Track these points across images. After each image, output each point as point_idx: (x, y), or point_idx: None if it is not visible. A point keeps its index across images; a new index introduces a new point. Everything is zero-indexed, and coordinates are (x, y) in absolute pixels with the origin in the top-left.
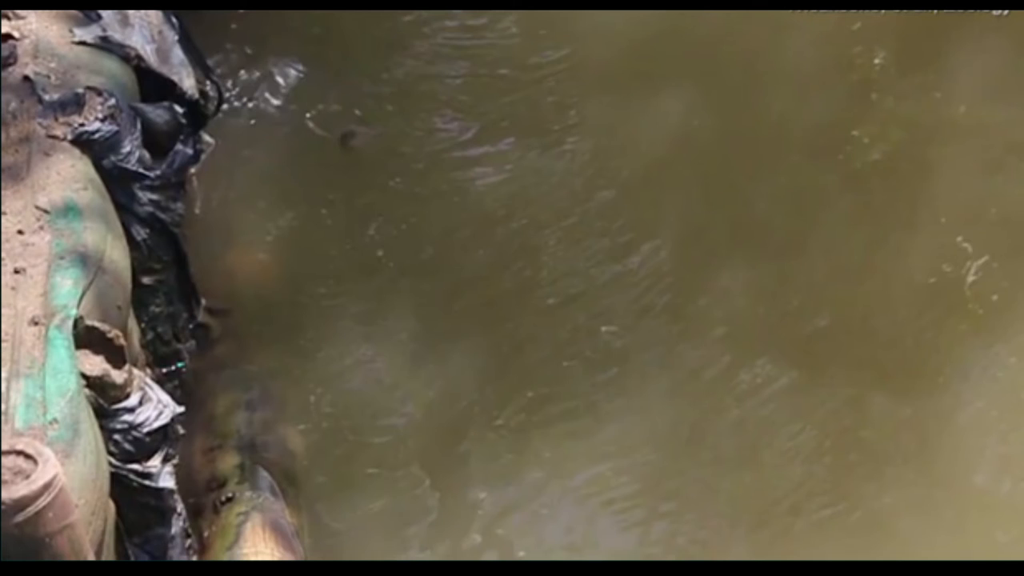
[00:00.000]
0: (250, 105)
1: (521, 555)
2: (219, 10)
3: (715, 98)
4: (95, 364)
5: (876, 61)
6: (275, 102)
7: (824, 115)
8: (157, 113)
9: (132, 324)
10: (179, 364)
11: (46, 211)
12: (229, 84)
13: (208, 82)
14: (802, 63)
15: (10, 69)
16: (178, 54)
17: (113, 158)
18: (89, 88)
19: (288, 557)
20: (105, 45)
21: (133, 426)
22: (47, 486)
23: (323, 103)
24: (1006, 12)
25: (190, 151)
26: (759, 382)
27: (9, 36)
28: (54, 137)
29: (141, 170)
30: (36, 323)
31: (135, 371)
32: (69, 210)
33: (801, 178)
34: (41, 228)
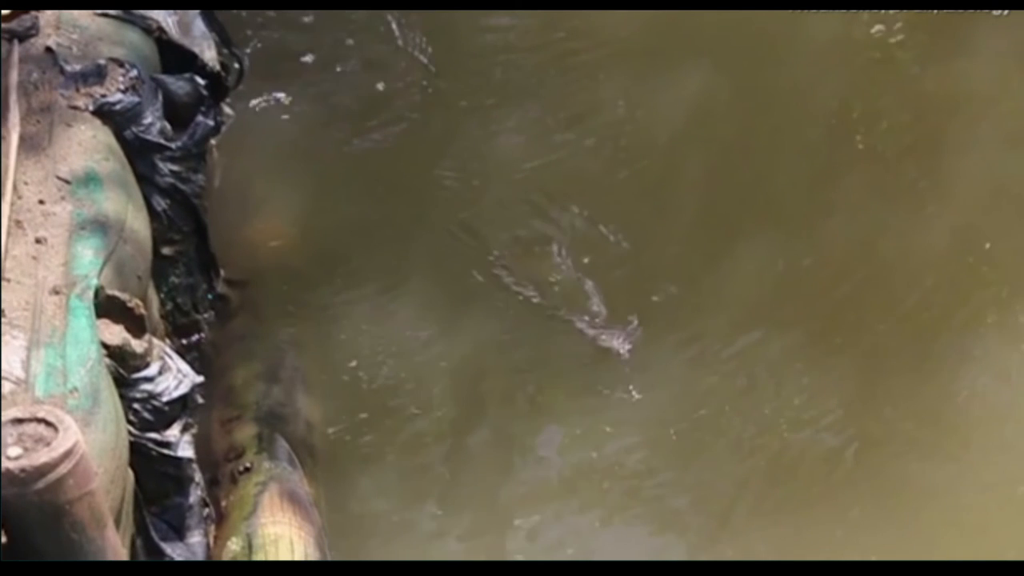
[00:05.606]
0: (271, 78)
1: (541, 536)
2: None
3: (734, 75)
4: (115, 333)
5: (895, 37)
6: (295, 76)
7: (842, 91)
8: (178, 85)
9: (152, 294)
10: (198, 335)
11: (67, 181)
12: (249, 56)
13: (229, 54)
14: (821, 40)
15: (32, 40)
16: (199, 26)
17: (134, 129)
18: (111, 59)
19: (306, 527)
20: (127, 17)
21: (153, 395)
22: (67, 453)
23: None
24: (1006, 12)
25: (211, 123)
26: (776, 358)
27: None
28: (76, 108)
29: (162, 141)
30: (57, 292)
31: (155, 341)
32: (90, 180)
33: (819, 154)
34: (62, 198)
